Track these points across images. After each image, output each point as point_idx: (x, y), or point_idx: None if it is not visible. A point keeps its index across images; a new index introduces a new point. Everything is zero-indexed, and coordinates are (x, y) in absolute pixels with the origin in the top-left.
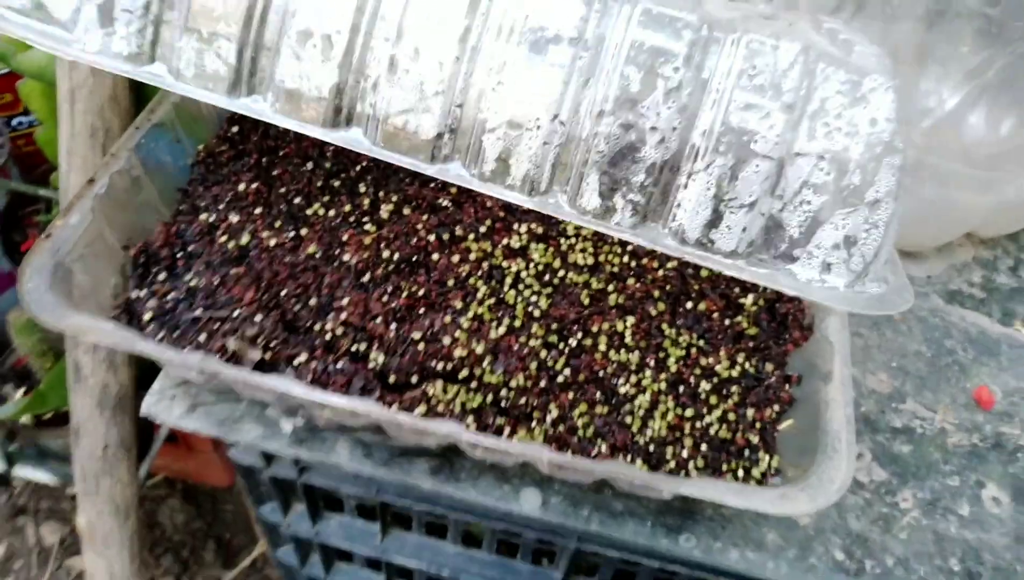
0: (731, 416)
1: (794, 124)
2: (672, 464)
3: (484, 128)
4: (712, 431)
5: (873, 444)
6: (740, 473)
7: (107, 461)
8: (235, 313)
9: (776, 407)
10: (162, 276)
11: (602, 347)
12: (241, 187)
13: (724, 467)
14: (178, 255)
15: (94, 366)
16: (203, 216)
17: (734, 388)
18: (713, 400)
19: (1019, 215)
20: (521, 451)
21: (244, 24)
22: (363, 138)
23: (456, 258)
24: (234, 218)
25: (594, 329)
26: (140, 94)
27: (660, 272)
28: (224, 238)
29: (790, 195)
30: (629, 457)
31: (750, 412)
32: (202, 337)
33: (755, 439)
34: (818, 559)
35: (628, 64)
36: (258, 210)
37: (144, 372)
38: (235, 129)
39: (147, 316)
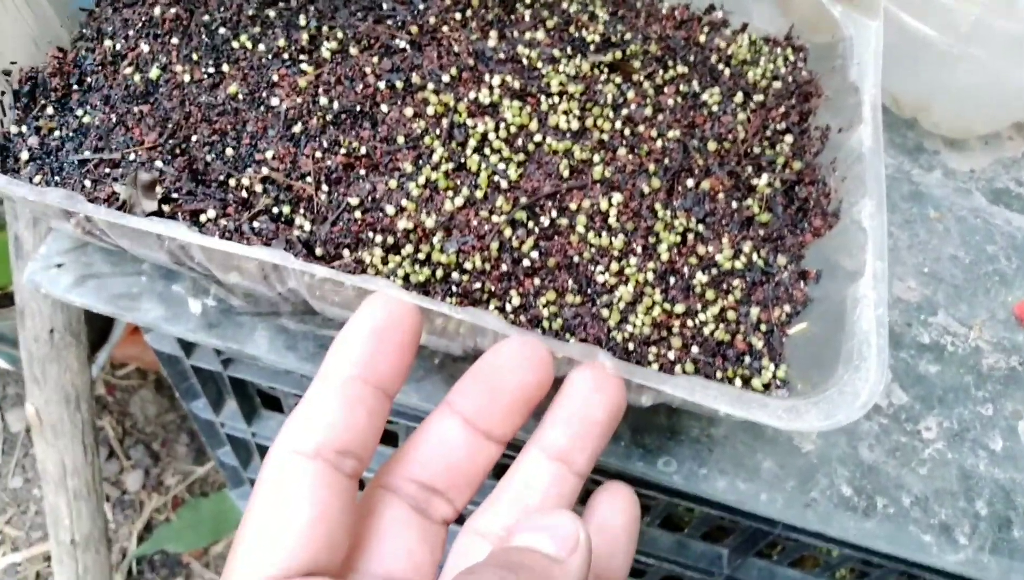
0: (731, 315)
1: None
2: (656, 367)
3: None
4: (706, 331)
5: (896, 362)
6: (738, 382)
7: (54, 346)
8: (132, 156)
9: (787, 307)
10: (50, 110)
11: (580, 228)
12: (157, 11)
13: (719, 374)
14: (73, 86)
15: (35, 241)
16: (108, 43)
17: (736, 282)
18: (710, 295)
19: None
20: (473, 321)
21: None
22: None
23: (410, 111)
24: (144, 47)
25: (572, 206)
26: None
27: (659, 142)
28: (130, 70)
29: None
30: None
31: (755, 311)
32: (87, 182)
33: (759, 343)
34: (820, 493)
35: None
36: (174, 40)
37: None
38: None
39: (24, 155)
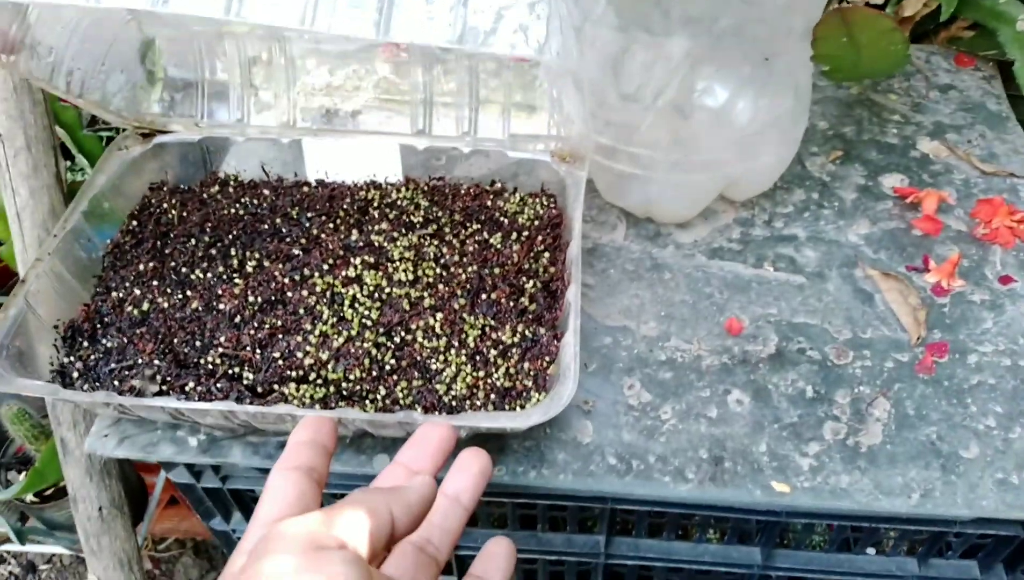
0: (512, 370)
1: None
2: (471, 412)
3: None
4: (499, 384)
5: (642, 376)
6: (518, 410)
7: (104, 521)
8: (139, 361)
9: (547, 358)
10: (85, 343)
11: (419, 339)
12: (141, 267)
13: (507, 407)
14: (96, 326)
15: (77, 440)
16: (113, 294)
17: (515, 350)
18: (499, 362)
19: (768, 177)
20: (341, 416)
21: None
22: None
23: (305, 293)
24: (137, 292)
25: (413, 326)
26: None
27: (463, 275)
28: (130, 308)
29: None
30: (437, 413)
31: (527, 365)
32: (116, 382)
33: (530, 383)
34: (596, 467)
35: None
36: (155, 282)
37: None
38: (135, 224)
39: (75, 375)
